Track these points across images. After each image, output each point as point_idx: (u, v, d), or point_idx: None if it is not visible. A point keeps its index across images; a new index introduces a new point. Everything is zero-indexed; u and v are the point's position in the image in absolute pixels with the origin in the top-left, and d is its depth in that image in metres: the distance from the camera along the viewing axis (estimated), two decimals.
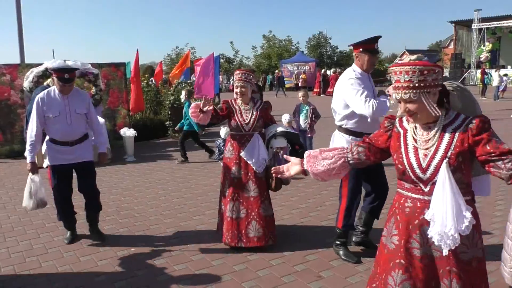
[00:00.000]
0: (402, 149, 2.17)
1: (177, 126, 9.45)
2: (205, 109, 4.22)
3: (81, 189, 4.70)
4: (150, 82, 15.11)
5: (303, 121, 7.83)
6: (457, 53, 34.71)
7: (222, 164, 4.70)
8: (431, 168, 2.05)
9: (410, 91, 1.99)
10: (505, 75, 24.18)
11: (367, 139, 2.36)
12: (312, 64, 34.48)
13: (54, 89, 4.47)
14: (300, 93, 8.01)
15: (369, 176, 4.05)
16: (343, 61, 42.07)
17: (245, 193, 4.35)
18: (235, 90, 4.49)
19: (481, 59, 33.13)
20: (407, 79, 2.00)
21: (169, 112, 12.12)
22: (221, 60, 34.62)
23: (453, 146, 2.03)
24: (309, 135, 7.84)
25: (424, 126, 2.13)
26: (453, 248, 1.99)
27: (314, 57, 39.71)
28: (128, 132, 9.35)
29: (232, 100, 4.54)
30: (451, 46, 43.30)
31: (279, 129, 4.53)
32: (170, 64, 40.95)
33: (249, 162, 4.33)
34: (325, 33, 45.74)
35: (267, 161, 4.41)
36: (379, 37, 3.88)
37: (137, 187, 6.95)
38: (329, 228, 4.86)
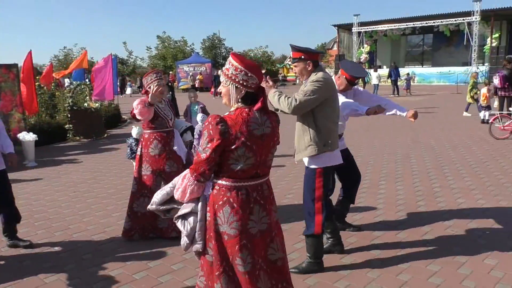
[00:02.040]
0: None
1: None
2: (153, 100, 4.50)
3: None
4: (42, 85, 14.41)
5: (195, 119, 8.07)
6: (340, 54, 37.63)
7: (134, 163, 4.94)
8: None
9: (226, 77, 2.45)
10: (408, 74, 26.92)
11: None
12: (208, 65, 35.00)
13: None
14: (191, 93, 8.34)
15: (339, 169, 4.23)
16: None
17: None
18: (156, 89, 4.67)
19: (361, 60, 36.34)
20: (228, 67, 2.45)
21: (69, 115, 11.78)
22: None
23: None
24: None
25: None
26: None
27: (210, 58, 40.30)
28: (27, 136, 9.01)
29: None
30: (335, 48, 46.60)
31: (187, 124, 5.05)
32: (57, 66, 38.61)
33: (181, 155, 4.70)
34: (219, 35, 46.56)
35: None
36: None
37: (45, 191, 6.84)
38: None
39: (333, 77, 4.31)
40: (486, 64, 31.99)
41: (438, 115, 15.05)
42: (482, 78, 30.24)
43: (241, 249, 2.41)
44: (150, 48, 44.85)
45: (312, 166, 3.73)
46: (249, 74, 2.39)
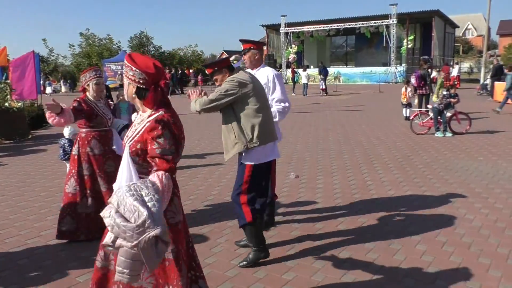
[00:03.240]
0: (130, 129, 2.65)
1: None
2: (57, 110, 4.19)
3: None
4: None
5: (125, 118, 7.82)
6: (270, 54, 38.32)
7: (68, 164, 4.75)
8: (125, 147, 2.52)
9: (123, 76, 2.55)
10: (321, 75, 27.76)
11: None
12: None
13: None
14: (121, 92, 8.14)
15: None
16: (167, 61, 42.40)
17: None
18: (94, 87, 4.59)
19: (290, 60, 37.28)
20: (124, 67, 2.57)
21: None
22: None
23: (138, 134, 2.45)
24: None
25: (141, 114, 2.56)
26: None
27: None
28: None
29: (85, 98, 4.62)
30: (264, 48, 47.39)
31: (124, 122, 4.96)
32: None
33: (120, 154, 4.57)
34: (146, 32, 45.38)
35: None
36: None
37: None
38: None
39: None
40: (403, 64, 34.13)
41: (364, 112, 15.85)
42: (400, 78, 32.29)
43: (188, 229, 2.67)
44: (73, 46, 42.70)
45: (244, 162, 3.90)
46: (134, 69, 2.46)
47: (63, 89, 36.03)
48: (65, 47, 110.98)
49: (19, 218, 5.37)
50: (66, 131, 6.36)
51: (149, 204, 2.09)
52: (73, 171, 4.61)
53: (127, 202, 2.08)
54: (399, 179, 6.70)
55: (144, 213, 2.03)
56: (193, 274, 2.67)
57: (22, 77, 13.07)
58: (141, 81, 2.46)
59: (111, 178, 4.54)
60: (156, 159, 2.34)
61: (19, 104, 12.01)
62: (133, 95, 2.52)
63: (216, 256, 4.11)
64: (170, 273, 2.48)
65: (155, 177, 2.29)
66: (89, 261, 4.07)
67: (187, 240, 2.64)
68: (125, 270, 2.17)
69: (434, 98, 13.62)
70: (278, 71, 34.72)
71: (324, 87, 25.67)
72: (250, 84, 3.82)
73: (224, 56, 41.54)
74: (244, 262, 3.95)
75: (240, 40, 4.73)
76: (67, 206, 4.55)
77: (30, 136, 11.90)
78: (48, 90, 32.63)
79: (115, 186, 2.51)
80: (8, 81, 12.24)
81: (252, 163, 3.86)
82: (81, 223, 4.53)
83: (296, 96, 24.56)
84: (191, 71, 38.88)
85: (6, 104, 11.55)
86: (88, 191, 4.53)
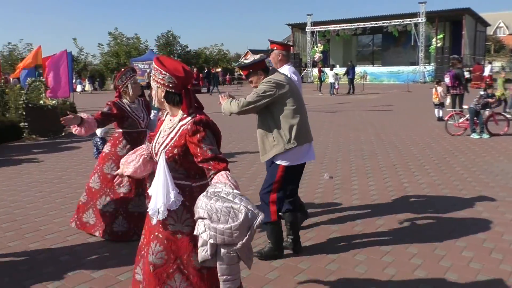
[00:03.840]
0: (157, 135, 2.57)
1: None
2: (76, 122, 4.15)
3: None
4: None
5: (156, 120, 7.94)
6: (295, 54, 38.15)
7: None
8: (158, 154, 2.47)
9: (150, 78, 2.48)
10: (337, 74, 27.46)
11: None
12: None
13: None
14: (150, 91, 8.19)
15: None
16: (193, 60, 42.75)
17: (143, 186, 4.56)
18: (133, 86, 4.61)
19: (315, 59, 37.02)
20: (151, 71, 2.52)
21: (24, 113, 11.20)
22: None
23: (174, 139, 2.41)
24: None
25: (171, 118, 2.53)
26: (161, 219, 2.41)
27: (165, 56, 39.61)
28: None
29: (118, 100, 4.65)
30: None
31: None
32: (2, 62, 36.66)
33: None
34: (172, 32, 45.81)
35: None
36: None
37: (8, 192, 6.48)
38: None
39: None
40: (432, 64, 33.46)
41: (394, 112, 15.58)
42: (429, 77, 31.69)
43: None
44: (102, 45, 43.51)
45: (277, 162, 3.90)
46: (163, 72, 2.41)
47: (87, 87, 36.75)
48: (94, 46, 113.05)
49: (58, 214, 5.44)
50: (98, 130, 6.41)
51: (236, 200, 2.06)
52: (98, 167, 4.65)
53: (217, 208, 2.04)
54: (437, 181, 6.52)
55: (242, 207, 2.02)
56: None
57: (56, 76, 13.29)
58: (170, 85, 2.41)
59: (134, 180, 4.52)
60: (211, 161, 2.29)
61: (53, 101, 12.24)
62: (162, 99, 2.48)
63: (256, 258, 4.06)
64: (208, 282, 2.44)
65: (222, 177, 2.22)
66: (129, 259, 4.06)
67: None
68: (229, 277, 2.20)
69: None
70: (304, 70, 34.44)
71: (337, 86, 25.21)
72: (287, 85, 3.86)
73: (249, 56, 41.52)
74: (258, 254, 4.02)
75: (269, 40, 4.83)
76: (90, 200, 4.62)
77: (63, 134, 12.12)
78: (79, 88, 33.32)
79: (150, 191, 2.49)
80: (43, 79, 12.46)
81: (286, 164, 3.87)
82: (99, 219, 4.56)
83: (323, 95, 24.36)
84: (218, 70, 39.01)
85: (41, 101, 11.79)
86: (107, 190, 4.54)
